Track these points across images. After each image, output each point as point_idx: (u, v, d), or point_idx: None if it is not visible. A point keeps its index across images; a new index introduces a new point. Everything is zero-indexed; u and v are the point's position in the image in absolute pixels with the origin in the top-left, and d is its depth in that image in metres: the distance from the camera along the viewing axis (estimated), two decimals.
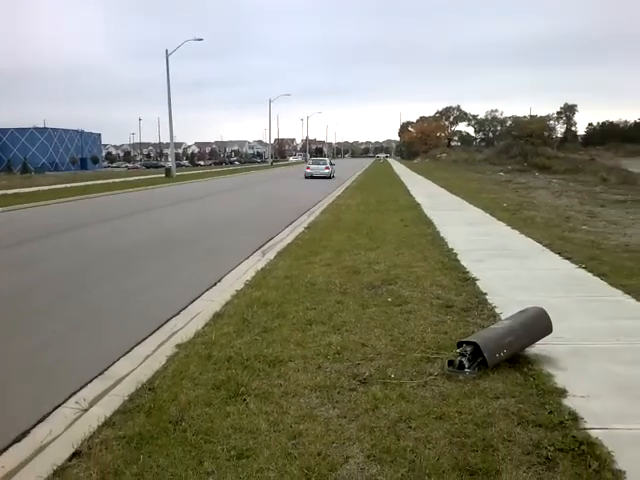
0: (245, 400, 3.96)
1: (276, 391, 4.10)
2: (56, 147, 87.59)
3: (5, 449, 3.60)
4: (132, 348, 5.45)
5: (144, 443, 3.44)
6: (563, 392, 3.91)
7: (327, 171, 42.18)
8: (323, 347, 4.95)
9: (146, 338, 5.75)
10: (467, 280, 7.22)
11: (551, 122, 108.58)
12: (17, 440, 3.70)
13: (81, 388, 4.51)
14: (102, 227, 15.58)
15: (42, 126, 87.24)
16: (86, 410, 4.07)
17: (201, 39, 50.14)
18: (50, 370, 5.06)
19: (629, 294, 6.38)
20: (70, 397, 4.34)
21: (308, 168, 43.37)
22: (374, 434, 3.44)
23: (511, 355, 4.39)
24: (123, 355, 5.27)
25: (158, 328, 6.07)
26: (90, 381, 4.66)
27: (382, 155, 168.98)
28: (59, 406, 4.20)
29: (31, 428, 3.86)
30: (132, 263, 10.01)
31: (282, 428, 3.56)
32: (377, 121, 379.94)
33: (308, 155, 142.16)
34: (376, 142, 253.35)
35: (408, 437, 3.39)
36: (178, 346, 5.20)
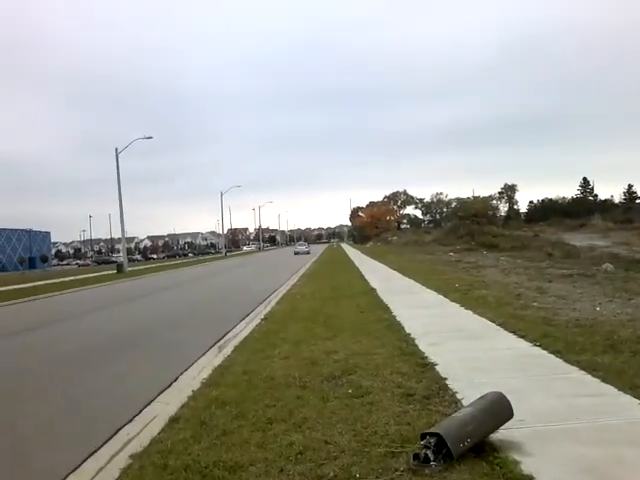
0: None
1: None
2: (3, 247, 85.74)
3: None
4: (82, 462, 5.14)
5: None
6: (530, 479, 3.85)
7: (307, 249, 76.00)
8: (285, 448, 4.78)
9: (97, 450, 5.44)
10: (426, 365, 7.20)
11: (494, 202, 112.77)
12: None
13: None
14: (46, 331, 15.03)
15: None
16: None
17: (150, 137, 51.10)
18: None
19: (584, 370, 6.47)
20: None
21: (296, 248, 79.64)
22: None
23: (475, 443, 4.34)
24: (72, 472, 4.95)
25: (110, 438, 5.77)
26: None
27: (335, 240, 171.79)
28: None
29: None
30: (79, 368, 9.61)
31: None
32: (328, 207, 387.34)
33: (262, 244, 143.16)
34: (328, 228, 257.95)
35: None
36: (132, 456, 4.94)
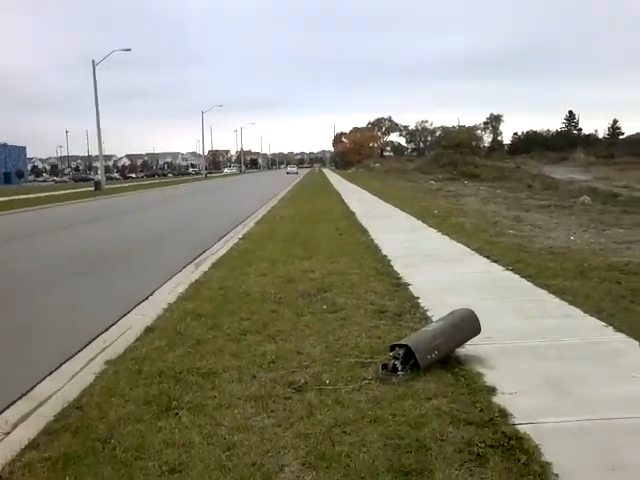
0: (177, 414, 3.86)
1: (210, 403, 4.02)
2: None
3: None
4: (59, 366, 5.22)
5: (70, 464, 3.29)
6: (492, 390, 4.01)
7: (296, 171, 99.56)
8: (258, 357, 4.90)
9: (74, 355, 5.52)
10: (400, 285, 7.33)
11: (478, 132, 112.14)
12: None
13: (3, 410, 4.28)
14: (26, 244, 14.95)
15: None
16: (8, 433, 3.86)
17: (129, 49, 49.39)
18: None
19: (553, 294, 6.63)
20: None
21: (287, 169, 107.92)
22: (309, 441, 3.42)
23: (442, 356, 4.48)
24: (49, 374, 5.04)
25: (86, 345, 5.84)
26: (13, 403, 4.42)
27: (317, 165, 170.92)
28: None
29: None
30: (57, 279, 9.63)
31: (216, 440, 3.49)
32: (311, 132, 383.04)
33: (243, 167, 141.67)
34: (311, 153, 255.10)
35: (343, 442, 3.39)
36: (107, 362, 5.03)
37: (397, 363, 4.28)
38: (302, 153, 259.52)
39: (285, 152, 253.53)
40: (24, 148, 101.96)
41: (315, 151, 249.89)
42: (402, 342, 4.48)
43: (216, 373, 4.58)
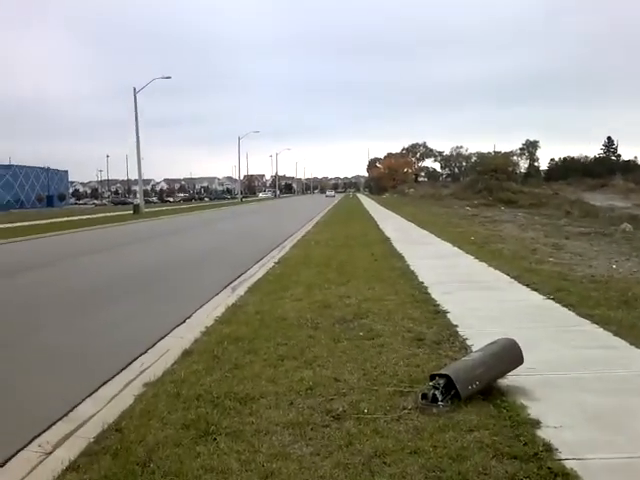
0: (215, 439, 3.85)
1: (248, 429, 4.01)
2: (21, 184, 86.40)
3: None
4: (98, 388, 5.28)
5: None
6: (537, 423, 3.90)
7: (333, 194, 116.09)
8: (295, 383, 4.87)
9: (112, 377, 5.58)
10: (438, 313, 7.24)
11: (514, 158, 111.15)
12: None
13: (44, 431, 4.33)
14: (68, 265, 15.29)
15: (7, 163, 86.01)
16: (49, 453, 3.91)
17: (169, 77, 50.95)
18: (10, 413, 4.86)
19: (596, 324, 6.46)
20: (32, 440, 4.16)
21: (326, 193, 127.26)
22: (348, 471, 3.37)
23: (483, 387, 4.38)
24: (88, 396, 5.10)
25: (125, 367, 5.90)
26: (54, 423, 4.48)
27: (351, 190, 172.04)
28: (21, 450, 4.02)
29: None
30: (97, 302, 9.80)
31: (254, 467, 3.46)
32: (345, 157, 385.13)
33: (278, 191, 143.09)
34: (345, 178, 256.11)
35: (383, 473, 3.33)
36: (146, 385, 5.06)
37: (437, 393, 4.20)
38: (336, 178, 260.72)
39: (319, 177, 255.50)
40: (66, 172, 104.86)
41: (349, 176, 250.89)
42: (442, 372, 4.40)
43: (253, 399, 4.57)
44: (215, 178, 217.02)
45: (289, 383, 4.88)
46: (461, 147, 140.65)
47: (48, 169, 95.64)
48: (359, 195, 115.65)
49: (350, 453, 3.59)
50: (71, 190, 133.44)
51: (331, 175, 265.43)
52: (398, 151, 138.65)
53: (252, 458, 3.58)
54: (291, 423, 4.06)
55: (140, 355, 6.30)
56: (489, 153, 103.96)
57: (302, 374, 5.08)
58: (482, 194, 49.97)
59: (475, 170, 77.79)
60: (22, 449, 4.05)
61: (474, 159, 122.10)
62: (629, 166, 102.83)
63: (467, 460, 3.42)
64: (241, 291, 9.57)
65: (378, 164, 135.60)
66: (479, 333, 6.10)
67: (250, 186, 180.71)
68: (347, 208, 48.93)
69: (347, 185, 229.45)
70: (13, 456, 3.94)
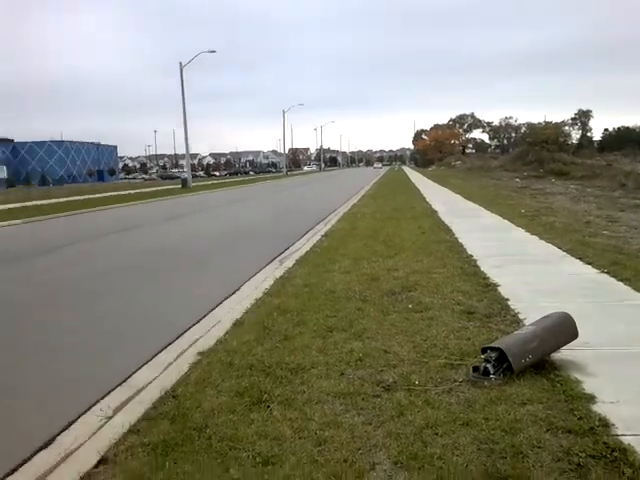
0: (269, 407, 3.94)
1: (299, 398, 4.08)
2: (73, 160, 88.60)
3: (31, 457, 3.60)
4: (154, 356, 5.46)
5: (169, 450, 3.43)
6: (592, 398, 3.83)
7: (380, 166, 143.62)
8: (345, 354, 4.92)
9: (167, 346, 5.75)
10: (488, 286, 7.15)
11: (566, 128, 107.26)
12: (43, 447, 3.71)
13: (104, 396, 4.52)
14: (127, 236, 15.71)
15: (59, 139, 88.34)
16: (110, 418, 4.07)
17: (214, 51, 51.00)
18: (73, 379, 5.08)
19: None
20: (94, 405, 4.35)
21: (374, 166, 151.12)
22: (400, 441, 3.40)
23: (536, 361, 4.33)
24: (145, 363, 5.27)
25: (179, 336, 6.07)
26: (113, 389, 4.66)
27: (396, 163, 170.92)
28: (83, 414, 4.21)
29: (56, 436, 3.87)
30: (147, 274, 10.06)
31: (307, 435, 3.54)
32: (391, 130, 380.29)
33: (323, 164, 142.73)
34: (390, 150, 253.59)
35: (435, 444, 3.35)
36: (200, 354, 5.20)
37: (489, 366, 4.18)
38: (381, 151, 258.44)
39: (364, 150, 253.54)
40: (115, 147, 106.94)
41: (394, 149, 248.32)
42: (494, 345, 4.37)
43: (304, 368, 4.64)
44: (260, 152, 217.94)
45: (339, 354, 4.93)
46: (510, 118, 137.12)
47: (98, 144, 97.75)
48: (404, 168, 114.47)
49: (401, 423, 3.61)
50: (120, 165, 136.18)
51: (376, 148, 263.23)
52: (445, 122, 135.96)
53: (305, 426, 3.65)
54: (342, 393, 4.12)
55: (192, 325, 6.46)
56: (539, 123, 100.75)
57: (352, 345, 5.12)
58: (532, 166, 48.55)
59: (525, 141, 75.62)
60: (84, 413, 4.23)
61: (524, 130, 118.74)
62: None
63: (520, 433, 3.40)
64: (289, 264, 9.66)
65: (424, 136, 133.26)
66: (531, 307, 6.00)
67: (295, 159, 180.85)
68: (393, 181, 48.49)
69: (392, 158, 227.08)
70: (76, 420, 4.13)
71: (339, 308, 6.43)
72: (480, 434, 3.43)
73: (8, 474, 3.41)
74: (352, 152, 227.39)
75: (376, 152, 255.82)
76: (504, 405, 3.77)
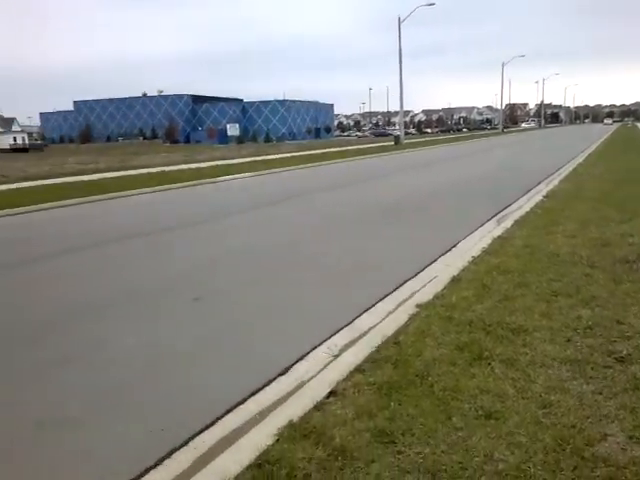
0: (490, 364, 3.94)
1: (522, 359, 4.01)
2: (294, 118, 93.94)
3: (274, 379, 4.07)
4: (374, 304, 5.72)
5: (393, 391, 3.62)
6: None
7: (610, 122, 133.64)
8: (571, 320, 4.68)
9: (386, 296, 5.97)
10: None
11: None
12: (282, 373, 4.16)
13: (331, 335, 4.88)
14: (353, 188, 16.49)
15: (282, 98, 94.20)
16: (337, 356, 4.40)
17: (433, 4, 49.58)
18: (306, 315, 5.55)
19: None
20: (323, 342, 4.73)
21: (604, 122, 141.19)
22: (636, 415, 3.18)
23: None
24: (366, 310, 5.56)
25: (396, 288, 6.26)
26: (339, 330, 5.01)
27: (629, 119, 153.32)
28: (314, 348, 4.61)
29: (293, 364, 4.30)
30: (367, 226, 10.43)
31: (530, 396, 3.48)
32: (623, 82, 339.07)
33: (543, 120, 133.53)
34: (622, 105, 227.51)
35: None
36: (418, 306, 5.33)
37: None
38: (612, 105, 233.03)
39: (591, 105, 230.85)
40: (332, 105, 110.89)
41: (627, 103, 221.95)
42: None
43: (526, 331, 4.52)
44: (474, 108, 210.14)
45: (564, 320, 4.71)
46: None
47: (316, 103, 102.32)
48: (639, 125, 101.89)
49: (637, 397, 3.38)
50: (336, 122, 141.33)
51: (605, 102, 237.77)
52: None
53: (528, 387, 3.59)
54: (568, 359, 3.95)
55: (409, 279, 6.62)
56: None
57: (579, 312, 4.85)
58: None
59: None
60: (315, 348, 4.62)
61: None
62: None
63: None
64: (507, 224, 9.33)
65: None
66: None
67: (512, 116, 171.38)
68: (624, 139, 43.58)
69: (625, 113, 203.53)
70: (308, 353, 4.53)
71: (564, 272, 6.09)
72: None
73: (259, 389, 3.91)
74: (577, 107, 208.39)
75: (605, 107, 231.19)
76: None
